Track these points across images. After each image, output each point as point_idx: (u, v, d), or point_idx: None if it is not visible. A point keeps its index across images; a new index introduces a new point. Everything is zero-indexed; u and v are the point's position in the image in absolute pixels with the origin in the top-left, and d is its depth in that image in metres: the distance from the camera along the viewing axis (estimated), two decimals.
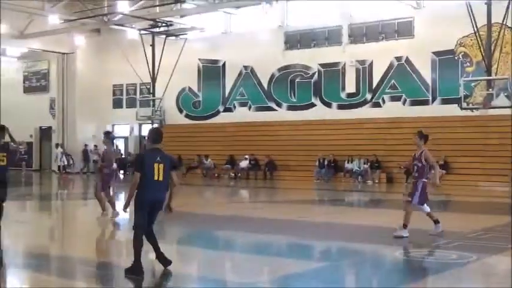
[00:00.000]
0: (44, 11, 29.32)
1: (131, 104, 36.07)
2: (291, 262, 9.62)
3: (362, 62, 28.81)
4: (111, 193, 14.29)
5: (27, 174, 29.06)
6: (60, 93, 37.88)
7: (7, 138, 11.80)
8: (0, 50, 33.98)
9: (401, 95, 27.74)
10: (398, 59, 27.74)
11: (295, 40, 30.80)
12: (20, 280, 8.57)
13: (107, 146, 14.41)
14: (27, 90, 39.85)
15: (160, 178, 8.20)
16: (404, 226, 10.84)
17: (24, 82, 40.22)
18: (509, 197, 19.33)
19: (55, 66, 38.27)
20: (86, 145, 36.30)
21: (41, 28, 32.28)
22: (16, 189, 24.30)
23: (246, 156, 30.73)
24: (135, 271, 8.11)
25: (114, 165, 14.41)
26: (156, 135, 8.61)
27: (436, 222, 11.13)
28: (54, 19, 30.24)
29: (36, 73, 39.88)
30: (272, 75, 31.30)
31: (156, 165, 8.15)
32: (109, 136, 14.69)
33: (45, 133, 38.89)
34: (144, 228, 8.29)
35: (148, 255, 9.79)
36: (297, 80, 30.63)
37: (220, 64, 33.19)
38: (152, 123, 32.70)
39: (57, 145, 34.89)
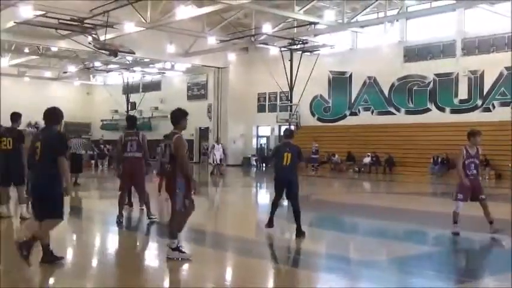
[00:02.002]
0: (204, 33, 30.44)
1: (272, 109, 36.63)
2: (406, 245, 9.29)
3: (474, 72, 27.38)
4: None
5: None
6: (215, 100, 39.32)
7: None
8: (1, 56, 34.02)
9: (511, 101, 26.04)
10: (507, 68, 26.07)
11: (413, 53, 29.86)
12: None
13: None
14: (190, 98, 41.58)
15: (288, 163, 9.12)
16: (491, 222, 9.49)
17: (188, 91, 42.04)
18: None
19: (212, 78, 39.72)
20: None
21: (201, 47, 33.52)
22: None
23: (368, 154, 30.20)
24: (268, 223, 9.48)
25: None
26: (287, 132, 9.84)
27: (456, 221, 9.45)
28: (211, 40, 31.30)
29: (197, 84, 41.56)
30: (392, 84, 30.57)
31: (285, 154, 9.14)
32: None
33: (203, 133, 40.46)
34: (278, 200, 9.41)
35: (285, 235, 9.89)
36: (414, 88, 29.71)
37: (348, 75, 32.87)
38: (289, 125, 32.97)
39: (217, 141, 35.80)
